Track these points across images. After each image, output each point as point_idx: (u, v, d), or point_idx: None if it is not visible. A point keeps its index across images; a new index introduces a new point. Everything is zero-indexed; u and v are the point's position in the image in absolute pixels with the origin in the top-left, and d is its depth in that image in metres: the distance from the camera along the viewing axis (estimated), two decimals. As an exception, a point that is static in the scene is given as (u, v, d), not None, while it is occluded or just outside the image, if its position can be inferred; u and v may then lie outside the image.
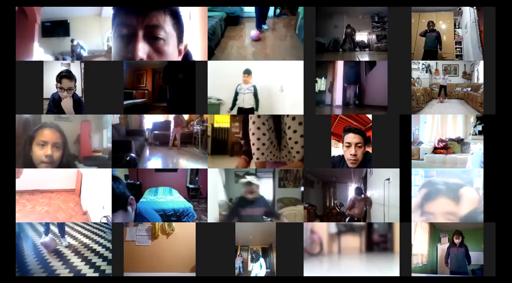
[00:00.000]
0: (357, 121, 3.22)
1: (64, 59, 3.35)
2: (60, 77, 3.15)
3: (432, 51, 3.50)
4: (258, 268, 3.14)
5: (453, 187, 3.03)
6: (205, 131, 3.88)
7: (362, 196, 3.29)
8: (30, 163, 3.02)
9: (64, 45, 3.46)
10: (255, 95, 3.70)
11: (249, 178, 3.17)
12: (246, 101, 3.72)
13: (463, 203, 3.02)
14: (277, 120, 3.06)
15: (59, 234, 3.39)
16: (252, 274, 3.12)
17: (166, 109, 3.99)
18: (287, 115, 2.98)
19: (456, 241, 3.08)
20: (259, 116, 3.02)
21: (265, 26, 4.90)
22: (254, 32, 4.50)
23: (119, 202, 2.66)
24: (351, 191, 3.36)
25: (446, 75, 3.62)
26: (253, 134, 3.04)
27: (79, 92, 3.23)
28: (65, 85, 3.14)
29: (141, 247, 3.22)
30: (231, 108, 3.68)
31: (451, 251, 3.10)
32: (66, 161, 3.08)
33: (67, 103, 3.16)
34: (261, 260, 3.17)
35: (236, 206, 3.19)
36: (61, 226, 3.39)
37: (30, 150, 3.01)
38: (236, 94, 3.69)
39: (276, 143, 3.12)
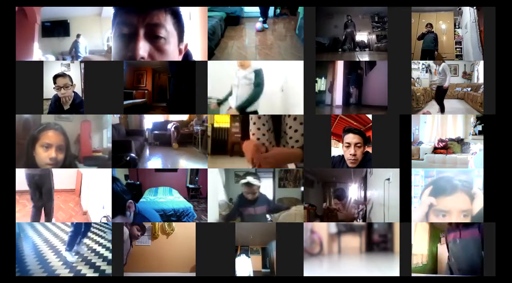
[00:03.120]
0: (357, 121, 3.22)
1: (64, 59, 3.35)
2: (55, 77, 3.17)
3: (431, 51, 3.50)
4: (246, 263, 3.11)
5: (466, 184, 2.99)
6: (205, 131, 3.87)
7: (343, 201, 3.27)
8: (33, 164, 3.02)
9: (64, 45, 3.46)
10: (258, 84, 3.24)
11: (248, 179, 3.16)
12: (239, 97, 3.23)
13: (477, 200, 2.97)
14: (276, 121, 3.06)
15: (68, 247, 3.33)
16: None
17: (166, 109, 3.99)
18: (288, 115, 2.98)
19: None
20: (259, 117, 3.01)
21: (265, 25, 4.90)
22: (259, 24, 4.66)
23: (117, 206, 2.65)
24: (351, 191, 3.36)
25: (441, 64, 3.45)
26: (253, 134, 3.03)
27: (79, 92, 3.24)
28: (60, 82, 3.16)
29: (141, 247, 3.22)
30: (220, 101, 3.27)
31: (450, 238, 2.96)
32: (68, 163, 3.09)
33: (65, 100, 3.19)
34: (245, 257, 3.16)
35: (237, 205, 3.19)
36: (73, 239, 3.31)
37: (33, 151, 3.00)
38: (231, 90, 3.41)
39: (275, 144, 3.11)
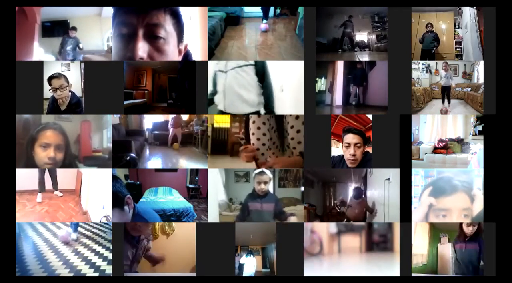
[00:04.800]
0: (357, 121, 3.22)
1: (64, 59, 3.35)
2: (49, 79, 3.17)
3: (430, 51, 3.50)
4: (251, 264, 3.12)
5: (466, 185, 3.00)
6: (205, 131, 3.87)
7: (360, 199, 3.26)
8: (32, 164, 3.02)
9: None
10: (260, 72, 3.07)
11: (262, 168, 3.11)
12: (231, 88, 3.07)
13: (477, 201, 2.98)
14: (279, 120, 3.05)
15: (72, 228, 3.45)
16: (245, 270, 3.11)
17: (166, 109, 3.98)
18: (290, 114, 2.98)
19: (468, 229, 2.94)
20: (259, 116, 3.00)
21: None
22: (264, 25, 4.60)
23: (115, 200, 2.67)
24: (351, 191, 3.36)
25: (448, 71, 3.54)
26: (253, 134, 3.02)
27: (79, 92, 3.24)
28: (55, 84, 3.16)
29: (141, 247, 3.21)
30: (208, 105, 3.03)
31: (456, 247, 3.00)
32: (68, 162, 3.10)
33: (61, 101, 3.19)
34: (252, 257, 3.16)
35: (246, 202, 3.14)
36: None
37: (32, 151, 3.02)
38: (214, 77, 3.11)
39: (279, 143, 3.10)
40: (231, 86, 3.11)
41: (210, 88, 3.10)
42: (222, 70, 3.11)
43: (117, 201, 2.65)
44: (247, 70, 3.09)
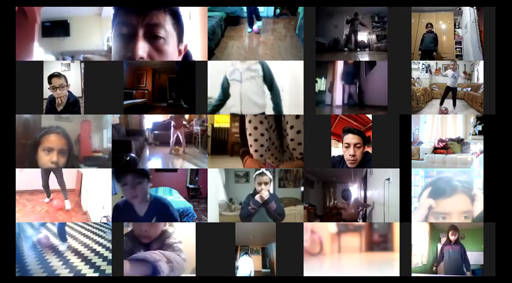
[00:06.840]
0: (357, 121, 3.22)
1: (64, 59, 3.35)
2: (49, 77, 3.16)
3: (430, 51, 3.50)
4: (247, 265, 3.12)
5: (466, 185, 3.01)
6: (205, 131, 3.87)
7: (348, 200, 3.26)
8: (36, 167, 3.05)
9: (64, 45, 3.46)
10: (268, 80, 3.14)
11: (262, 169, 3.08)
12: (246, 95, 3.15)
13: (477, 201, 2.99)
14: (278, 119, 3.04)
15: (60, 240, 3.40)
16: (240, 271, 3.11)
17: (166, 109, 3.99)
18: (290, 114, 2.96)
19: (452, 237, 3.04)
20: (255, 115, 2.97)
21: (259, 24, 4.88)
22: (255, 27, 4.67)
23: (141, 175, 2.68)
24: (351, 191, 3.36)
25: (456, 70, 3.50)
26: (250, 134, 2.99)
27: (79, 92, 3.24)
28: (55, 83, 3.15)
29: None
30: (214, 109, 3.18)
31: (445, 249, 3.06)
32: (71, 165, 3.11)
33: (60, 101, 3.19)
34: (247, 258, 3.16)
35: (246, 203, 3.12)
36: (61, 231, 3.38)
37: (35, 155, 3.03)
38: (226, 85, 3.22)
39: (279, 144, 3.08)
40: (246, 93, 3.20)
41: (219, 95, 3.23)
42: (237, 80, 3.20)
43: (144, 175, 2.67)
44: (258, 80, 3.20)
